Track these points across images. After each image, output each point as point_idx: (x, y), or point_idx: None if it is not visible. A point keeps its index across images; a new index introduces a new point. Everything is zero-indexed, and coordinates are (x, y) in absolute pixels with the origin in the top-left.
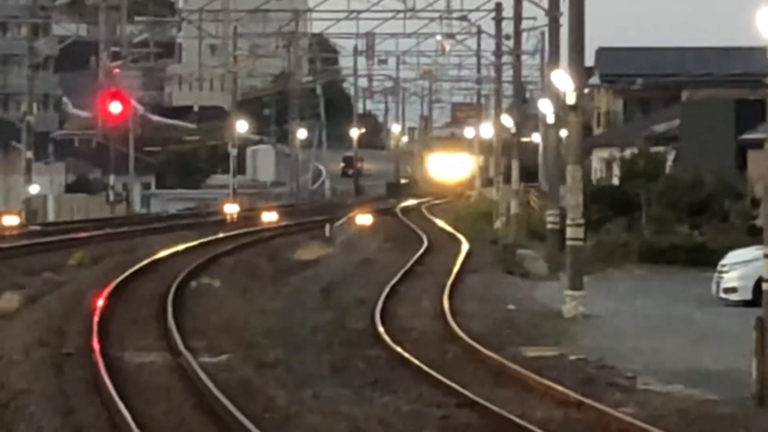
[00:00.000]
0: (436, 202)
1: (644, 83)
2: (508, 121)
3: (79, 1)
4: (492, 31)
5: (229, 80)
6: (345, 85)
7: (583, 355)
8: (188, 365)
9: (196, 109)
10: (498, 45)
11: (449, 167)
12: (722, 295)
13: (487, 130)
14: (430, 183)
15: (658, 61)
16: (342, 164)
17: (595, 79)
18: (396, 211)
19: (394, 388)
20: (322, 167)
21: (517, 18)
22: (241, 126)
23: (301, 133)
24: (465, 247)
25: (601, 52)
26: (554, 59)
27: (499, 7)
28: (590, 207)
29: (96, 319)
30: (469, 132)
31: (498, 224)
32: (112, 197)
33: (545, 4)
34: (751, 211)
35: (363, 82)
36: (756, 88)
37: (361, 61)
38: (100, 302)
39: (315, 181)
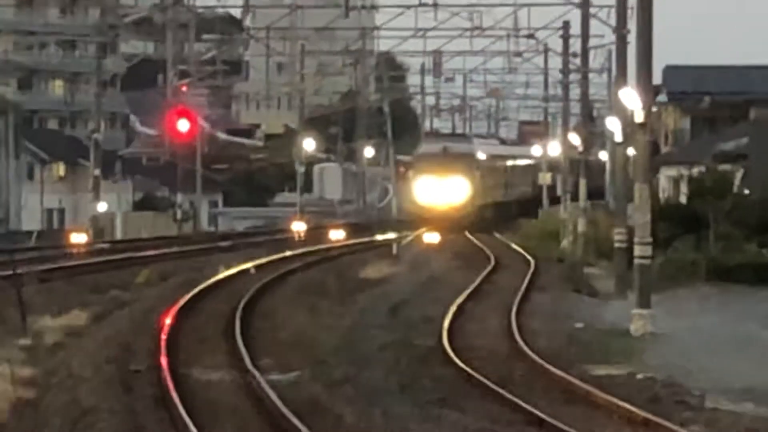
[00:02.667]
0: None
1: (711, 101)
2: (575, 139)
3: (147, 19)
4: (559, 49)
5: (296, 98)
6: (412, 103)
7: (651, 374)
8: (256, 383)
9: (263, 127)
10: (565, 63)
11: (439, 193)
12: None
13: (554, 148)
14: (418, 211)
15: (725, 79)
16: None
17: (662, 97)
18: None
19: (462, 406)
20: (389, 185)
21: (585, 36)
22: (309, 144)
23: (368, 151)
24: (532, 265)
25: (669, 70)
26: (622, 77)
27: (566, 25)
28: (658, 225)
29: (164, 336)
30: (469, 146)
31: (565, 242)
32: (179, 215)
33: (613, 21)
34: None
35: (430, 100)
36: None
37: (429, 79)
38: (168, 320)
39: (382, 199)
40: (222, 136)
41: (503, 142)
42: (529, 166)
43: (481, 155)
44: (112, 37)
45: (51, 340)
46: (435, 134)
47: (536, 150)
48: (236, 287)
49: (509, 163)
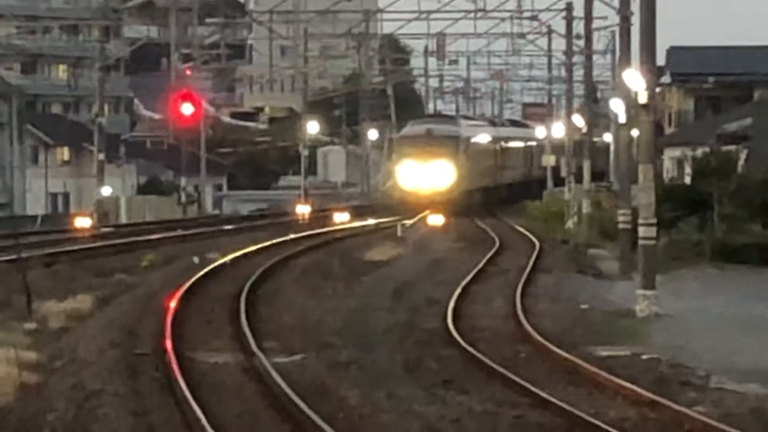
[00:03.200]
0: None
1: (715, 82)
2: (579, 120)
3: (150, 3)
4: (563, 31)
5: (299, 81)
6: (416, 85)
7: (656, 354)
8: (261, 365)
9: (266, 110)
10: (569, 45)
11: (422, 177)
12: None
13: (558, 129)
14: (400, 196)
15: (729, 60)
16: None
17: (666, 79)
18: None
19: (467, 388)
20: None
21: (588, 17)
22: (312, 127)
23: (372, 134)
24: (537, 247)
25: (672, 51)
26: (625, 58)
27: (569, 7)
28: (662, 206)
29: (169, 320)
30: (455, 128)
31: (570, 224)
32: (183, 199)
33: (616, 3)
34: None
35: (434, 82)
36: None
37: (432, 61)
38: (173, 303)
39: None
40: (226, 119)
41: (493, 123)
42: (523, 147)
43: (469, 137)
44: (116, 21)
45: (56, 324)
46: (420, 115)
47: (540, 131)
48: (241, 270)
49: (501, 145)
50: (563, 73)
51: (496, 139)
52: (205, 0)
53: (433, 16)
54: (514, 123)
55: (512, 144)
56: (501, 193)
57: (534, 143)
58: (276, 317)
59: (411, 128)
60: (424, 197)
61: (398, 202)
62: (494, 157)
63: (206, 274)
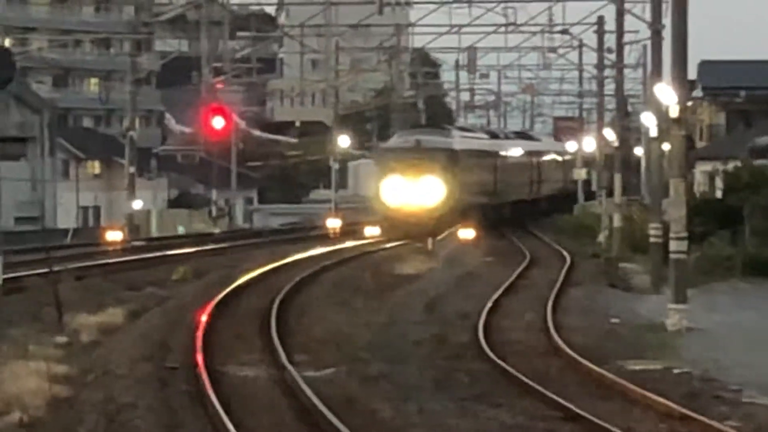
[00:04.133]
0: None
1: (747, 96)
2: (610, 134)
3: (182, 17)
4: (594, 45)
5: (330, 95)
6: (446, 99)
7: (688, 369)
8: (292, 379)
9: (297, 124)
10: (600, 58)
11: (409, 193)
12: None
13: (589, 143)
14: (385, 213)
15: (760, 74)
16: None
17: (697, 92)
18: None
19: (499, 402)
20: None
21: (619, 31)
22: (343, 141)
23: None
24: (567, 260)
25: (704, 65)
26: (657, 72)
27: (601, 21)
28: (693, 220)
29: (199, 333)
30: (446, 140)
31: (601, 238)
32: (214, 212)
33: (648, 17)
34: None
35: (465, 96)
36: None
37: (463, 75)
38: (204, 317)
39: None
40: (256, 133)
41: (495, 135)
42: (526, 162)
43: (463, 149)
44: (147, 34)
45: (87, 337)
46: (411, 126)
47: (570, 145)
48: (272, 284)
49: (500, 159)
50: (594, 87)
51: (492, 153)
52: (236, 14)
53: (464, 30)
54: (521, 135)
55: (514, 158)
56: (502, 211)
57: (549, 156)
58: (307, 331)
59: (398, 139)
60: (411, 215)
61: (382, 221)
62: (493, 173)
63: (237, 287)
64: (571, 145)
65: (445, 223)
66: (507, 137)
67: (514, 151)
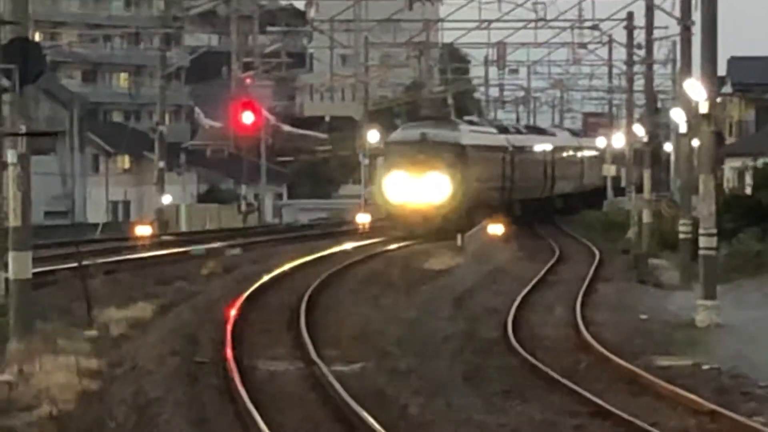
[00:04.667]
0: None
1: None
2: (639, 130)
3: (211, 11)
4: (623, 41)
5: (360, 90)
6: (476, 94)
7: (717, 365)
8: (321, 374)
9: (327, 119)
10: (629, 54)
11: (414, 189)
12: None
13: (618, 139)
14: (389, 211)
15: None
16: None
17: (727, 88)
18: None
19: (527, 397)
20: None
21: (649, 27)
22: (373, 136)
23: None
24: (597, 256)
25: (734, 61)
26: (686, 68)
27: (630, 17)
28: (723, 216)
29: (229, 328)
30: (454, 134)
31: (630, 234)
32: (243, 207)
33: (677, 13)
34: None
35: (494, 91)
36: None
37: (492, 70)
38: (233, 311)
39: None
40: (286, 128)
41: (505, 129)
42: (540, 159)
43: (471, 144)
44: (176, 29)
45: (116, 331)
46: (417, 118)
47: (600, 141)
48: (301, 279)
49: (510, 154)
50: (624, 82)
51: (502, 148)
52: (266, 8)
53: (493, 25)
54: (535, 129)
55: (527, 152)
56: (513, 208)
57: (567, 152)
58: (335, 326)
59: (402, 132)
60: (416, 212)
61: (386, 218)
62: (503, 168)
63: (267, 282)
64: (600, 141)
65: (451, 221)
66: (519, 131)
67: (527, 145)
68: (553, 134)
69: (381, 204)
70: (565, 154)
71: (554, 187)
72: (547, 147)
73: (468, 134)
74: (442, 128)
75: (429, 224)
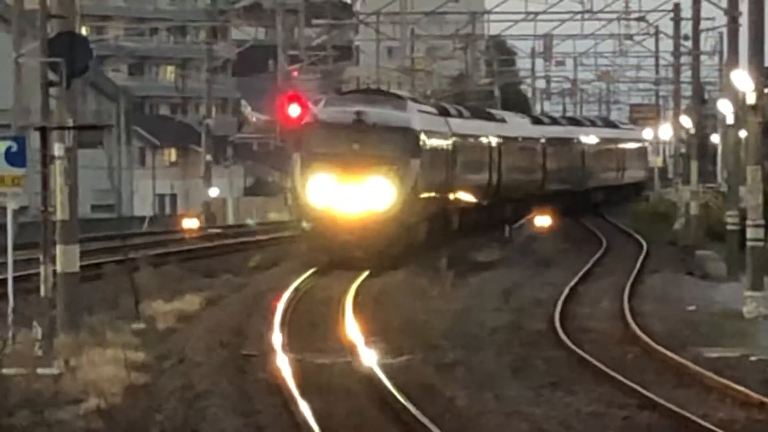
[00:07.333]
0: None
1: None
2: (686, 122)
3: (257, 4)
4: (670, 32)
5: (406, 83)
6: (522, 86)
7: (765, 356)
8: (368, 367)
9: None
10: (676, 45)
11: (347, 192)
12: None
13: (665, 131)
14: (311, 218)
15: None
16: None
17: None
18: None
19: (575, 389)
20: None
21: (696, 18)
22: None
23: None
24: (644, 248)
25: None
26: (733, 59)
27: (677, 8)
28: None
29: (276, 320)
30: (404, 114)
31: (677, 225)
32: (289, 200)
33: (724, 4)
34: None
35: (540, 83)
36: None
37: (539, 62)
38: (280, 304)
39: None
40: None
41: (490, 116)
42: (529, 150)
43: (424, 130)
44: (223, 22)
45: (164, 324)
46: (348, 91)
47: (647, 133)
48: (347, 272)
49: (498, 145)
50: (670, 74)
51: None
52: (312, 1)
53: (540, 17)
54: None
55: (515, 145)
56: (498, 213)
57: (574, 145)
58: (382, 318)
59: (329, 109)
60: (348, 223)
61: (304, 231)
62: (445, 161)
63: (313, 274)
64: (647, 133)
65: (398, 236)
66: (503, 120)
67: (514, 135)
68: (560, 123)
69: (298, 208)
70: (571, 147)
71: (547, 185)
72: (546, 138)
73: (420, 117)
74: (385, 106)
75: (363, 241)
